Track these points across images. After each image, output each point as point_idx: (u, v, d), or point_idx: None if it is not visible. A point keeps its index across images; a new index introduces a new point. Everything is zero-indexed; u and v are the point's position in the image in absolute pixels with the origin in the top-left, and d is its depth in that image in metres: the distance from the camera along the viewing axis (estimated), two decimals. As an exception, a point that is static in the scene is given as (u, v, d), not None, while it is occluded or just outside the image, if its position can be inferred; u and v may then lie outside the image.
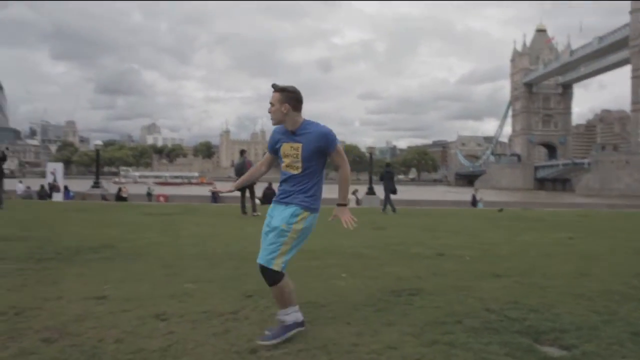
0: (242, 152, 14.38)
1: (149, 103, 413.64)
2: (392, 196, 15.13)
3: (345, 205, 3.25)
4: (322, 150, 3.09)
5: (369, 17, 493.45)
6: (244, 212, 12.59)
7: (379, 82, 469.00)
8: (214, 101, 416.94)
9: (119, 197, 24.03)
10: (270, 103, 3.12)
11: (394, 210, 14.79)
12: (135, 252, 6.17)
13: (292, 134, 3.11)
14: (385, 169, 15.93)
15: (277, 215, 3.12)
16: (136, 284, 4.46)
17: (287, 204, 3.11)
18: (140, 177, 69.21)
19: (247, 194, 12.82)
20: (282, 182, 3.18)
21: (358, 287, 4.49)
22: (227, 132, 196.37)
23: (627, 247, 7.62)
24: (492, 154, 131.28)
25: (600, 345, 3.03)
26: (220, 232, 8.68)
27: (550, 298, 4.16)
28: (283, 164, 3.14)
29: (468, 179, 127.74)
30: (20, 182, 30.75)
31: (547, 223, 11.75)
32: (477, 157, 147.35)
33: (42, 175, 39.49)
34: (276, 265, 3.02)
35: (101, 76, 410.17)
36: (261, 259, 3.06)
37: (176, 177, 60.54)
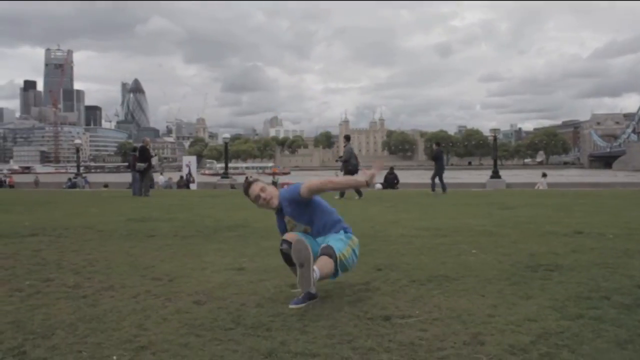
0: (348, 138, 14.45)
1: (272, 98, 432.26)
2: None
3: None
4: (301, 202, 3.39)
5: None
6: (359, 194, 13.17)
7: (501, 63, 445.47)
8: (333, 92, 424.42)
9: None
10: (261, 192, 3.44)
11: (444, 190, 14.73)
12: (266, 231, 6.50)
13: (280, 211, 3.53)
14: (435, 148, 15.45)
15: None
16: (270, 258, 4.71)
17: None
18: (221, 168, 74.02)
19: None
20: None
21: (490, 262, 4.35)
22: (346, 121, 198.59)
23: None
24: (634, 132, 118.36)
25: None
26: (345, 212, 8.81)
27: None
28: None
29: (605, 161, 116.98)
30: (161, 174, 33.76)
31: None
32: (615, 137, 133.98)
33: (178, 169, 43.02)
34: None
35: (227, 75, 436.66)
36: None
37: (250, 167, 63.77)
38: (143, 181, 14.82)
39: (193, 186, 26.19)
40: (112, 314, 3.00)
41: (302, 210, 3.41)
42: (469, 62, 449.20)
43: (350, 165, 13.29)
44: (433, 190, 14.94)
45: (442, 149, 16.05)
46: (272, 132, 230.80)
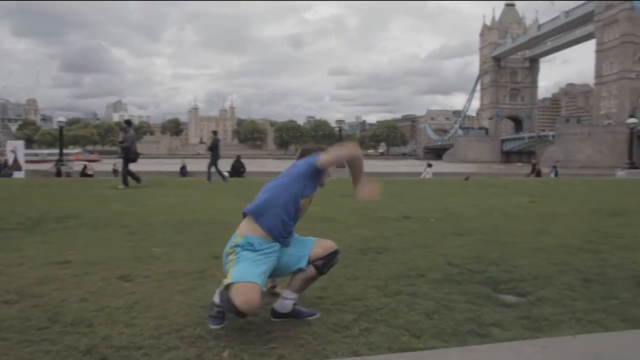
0: (129, 123, 14.06)
1: (117, 80, 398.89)
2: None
3: None
4: None
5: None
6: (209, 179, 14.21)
7: (350, 58, 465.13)
8: (183, 78, 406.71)
9: (84, 174, 23.57)
10: None
11: (224, 179, 14.80)
12: (100, 221, 6.09)
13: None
14: (213, 137, 15.68)
15: None
16: (101, 249, 4.41)
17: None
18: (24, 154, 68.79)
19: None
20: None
21: (324, 247, 4.54)
22: (195, 108, 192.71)
23: (584, 208, 7.91)
24: (461, 127, 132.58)
25: (554, 291, 3.19)
26: (188, 201, 8.64)
27: (510, 253, 4.32)
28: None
29: (436, 153, 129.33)
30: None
31: (512, 189, 12.06)
32: (445, 131, 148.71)
33: (2, 154, 38.19)
34: None
35: (67, 53, 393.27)
36: None
37: (51, 154, 59.19)
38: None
39: (20, 174, 23.50)
40: None
41: None
42: (319, 55, 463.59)
43: (132, 153, 12.68)
44: (209, 179, 14.42)
45: (219, 138, 15.91)
46: (116, 117, 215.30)
